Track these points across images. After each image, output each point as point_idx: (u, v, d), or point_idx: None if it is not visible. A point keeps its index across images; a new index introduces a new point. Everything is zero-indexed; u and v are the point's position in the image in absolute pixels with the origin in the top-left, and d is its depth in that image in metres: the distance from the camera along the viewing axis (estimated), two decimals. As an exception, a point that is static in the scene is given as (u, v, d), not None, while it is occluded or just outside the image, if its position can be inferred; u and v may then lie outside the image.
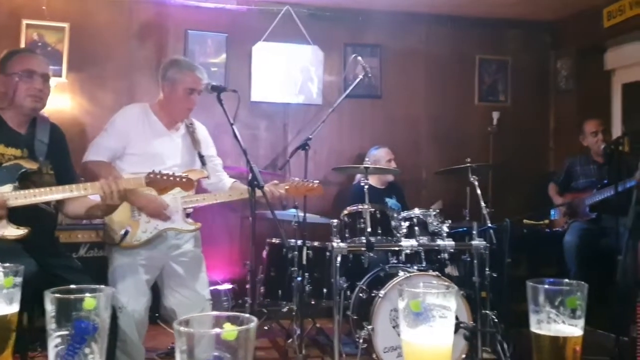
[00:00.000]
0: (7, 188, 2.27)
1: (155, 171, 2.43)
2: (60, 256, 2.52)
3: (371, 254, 3.55)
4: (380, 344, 3.19)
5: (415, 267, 3.55)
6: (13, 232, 2.23)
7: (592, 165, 4.51)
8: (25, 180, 2.34)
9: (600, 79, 5.39)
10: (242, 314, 0.76)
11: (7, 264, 1.07)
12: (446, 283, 3.19)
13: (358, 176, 4.54)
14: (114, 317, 2.43)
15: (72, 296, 0.89)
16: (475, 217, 3.83)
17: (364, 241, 3.41)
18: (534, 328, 0.95)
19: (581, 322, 0.93)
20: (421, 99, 5.45)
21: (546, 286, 0.93)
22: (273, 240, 3.93)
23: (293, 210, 3.86)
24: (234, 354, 0.73)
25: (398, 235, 3.56)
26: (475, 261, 3.55)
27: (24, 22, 4.56)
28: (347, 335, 3.73)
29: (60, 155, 2.56)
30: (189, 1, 4.88)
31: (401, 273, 3.38)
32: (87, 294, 0.90)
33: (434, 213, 3.68)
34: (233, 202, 3.26)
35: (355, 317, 3.49)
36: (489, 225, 3.70)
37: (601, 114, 5.05)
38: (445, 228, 3.64)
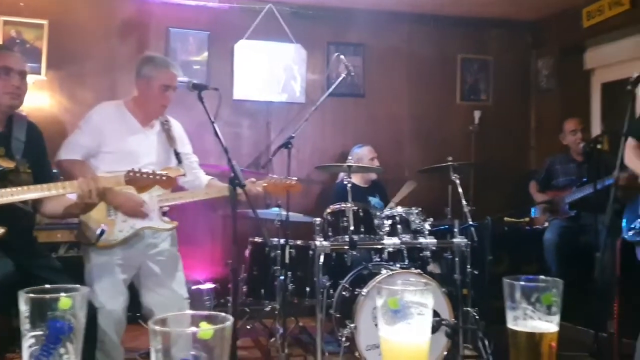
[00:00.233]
0: (-16, 187, 2.24)
1: (135, 169, 2.41)
2: (38, 256, 2.48)
3: (354, 253, 3.56)
4: (362, 342, 3.20)
5: (398, 265, 3.57)
6: (-11, 231, 2.20)
7: (572, 164, 4.57)
8: (2, 179, 2.30)
9: (580, 79, 5.45)
10: (219, 313, 0.75)
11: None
12: (424, 280, 3.20)
13: (341, 175, 4.55)
14: (93, 318, 2.42)
15: (46, 296, 0.88)
16: (457, 215, 3.86)
17: (347, 239, 3.41)
18: (510, 324, 0.96)
19: (556, 318, 0.94)
20: (404, 98, 5.47)
21: (522, 283, 0.94)
22: (256, 239, 3.92)
23: (276, 209, 3.86)
24: (210, 353, 0.72)
25: (381, 233, 3.57)
26: (456, 259, 3.57)
27: (2, 18, 4.49)
28: (329, 333, 3.74)
29: (38, 153, 2.52)
30: (171, -2, 4.85)
31: (384, 271, 3.40)
32: (63, 294, 0.89)
33: (416, 211, 3.69)
34: (215, 201, 3.25)
35: (338, 316, 3.49)
36: (470, 223, 3.73)
37: (581, 113, 5.11)
38: (427, 226, 3.66)
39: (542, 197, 4.66)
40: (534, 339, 0.94)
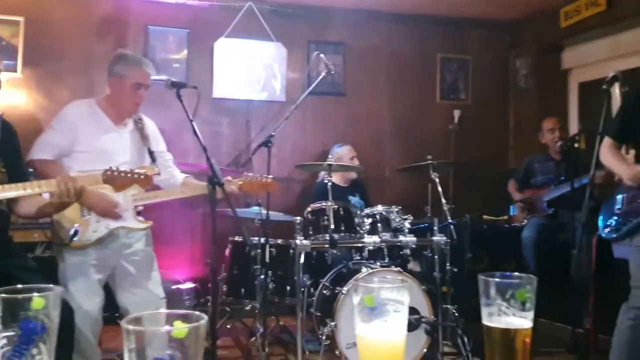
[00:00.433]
0: (-43, 186, 2.20)
1: (113, 168, 2.38)
2: (14, 256, 2.44)
3: (334, 251, 3.57)
4: (343, 340, 3.21)
5: (378, 263, 3.57)
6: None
7: (550, 163, 4.62)
8: (-24, 178, 2.26)
9: (557, 78, 5.53)
10: (193, 312, 0.75)
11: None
12: (400, 277, 3.22)
13: (322, 174, 4.55)
14: (70, 319, 2.39)
15: (19, 296, 0.86)
16: (436, 214, 3.88)
17: (328, 238, 3.42)
18: (485, 321, 0.96)
19: (530, 314, 0.95)
20: (384, 97, 5.48)
21: (497, 279, 0.95)
22: (236, 238, 3.90)
23: (256, 208, 3.84)
24: (185, 352, 0.72)
25: (361, 232, 3.58)
26: (436, 257, 3.59)
27: (-24, 15, 4.42)
28: (310, 332, 3.73)
29: (12, 152, 2.48)
30: (150, -4, 4.81)
31: (364, 269, 3.41)
32: (35, 294, 0.88)
33: (396, 210, 3.71)
34: (195, 200, 3.23)
35: (318, 314, 3.49)
36: (450, 221, 3.76)
37: (559, 112, 5.18)
38: (407, 224, 3.67)
39: (521, 195, 4.71)
40: (508, 335, 0.95)
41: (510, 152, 5.86)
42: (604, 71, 3.50)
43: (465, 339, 3.43)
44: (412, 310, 3.23)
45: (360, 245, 3.59)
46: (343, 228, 3.54)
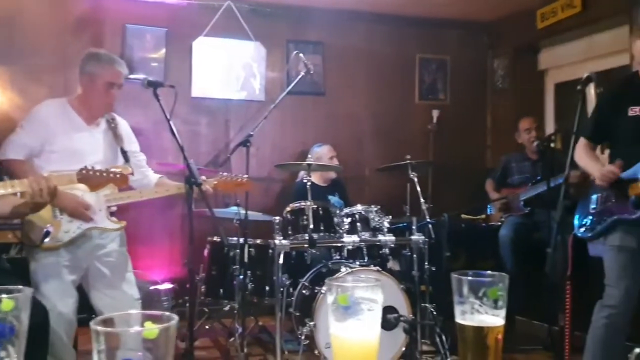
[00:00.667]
0: None
1: (88, 167, 2.35)
2: (-14, 257, 2.40)
3: (314, 251, 3.57)
4: (322, 340, 3.21)
5: (358, 263, 3.58)
6: None
7: (526, 162, 4.67)
8: (-52, 178, 2.22)
9: (534, 79, 5.59)
10: (163, 313, 0.74)
11: None
12: (374, 276, 3.24)
13: (301, 173, 4.55)
14: (45, 321, 2.36)
15: (-14, 298, 0.85)
16: (415, 213, 3.90)
17: (307, 238, 3.41)
18: (458, 319, 0.97)
19: (502, 312, 0.96)
20: (363, 97, 5.50)
21: (470, 278, 0.96)
22: (214, 239, 3.88)
23: (235, 208, 3.83)
24: (155, 353, 0.71)
25: (340, 231, 3.58)
26: (414, 255, 3.61)
27: (-51, 12, 4.33)
28: (289, 332, 3.73)
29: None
30: (127, -6, 4.76)
31: (343, 269, 3.41)
32: (4, 295, 0.87)
33: (375, 209, 3.72)
34: (173, 200, 3.20)
35: (297, 314, 3.49)
36: (428, 220, 3.79)
37: (535, 112, 5.24)
38: (386, 223, 3.68)
39: (498, 194, 4.76)
40: (481, 333, 0.95)
41: (488, 152, 5.91)
42: (579, 72, 3.56)
43: (444, 337, 3.46)
44: (391, 309, 3.24)
45: (339, 244, 3.60)
46: (322, 228, 3.55)
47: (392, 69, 5.57)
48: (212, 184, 3.02)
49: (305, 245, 3.45)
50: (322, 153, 4.56)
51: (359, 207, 3.72)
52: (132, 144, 3.03)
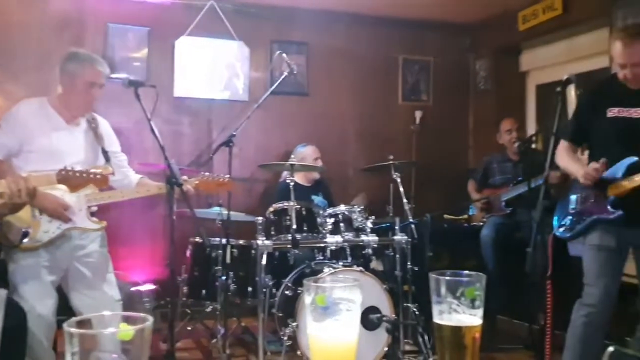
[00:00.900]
0: None
1: (67, 167, 2.33)
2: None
3: (297, 251, 3.57)
4: (304, 341, 3.20)
5: (341, 263, 3.58)
6: None
7: (507, 163, 4.71)
8: None
9: (515, 80, 5.64)
10: (139, 314, 0.74)
11: None
12: (352, 277, 3.25)
13: (284, 173, 4.54)
14: (23, 322, 2.33)
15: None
16: (398, 213, 3.92)
17: (290, 238, 3.41)
18: (436, 319, 0.98)
19: (480, 312, 0.97)
20: (347, 97, 5.50)
21: (447, 278, 0.96)
22: (196, 239, 3.86)
23: (217, 208, 3.81)
24: (130, 355, 0.71)
25: (324, 231, 3.58)
26: (397, 256, 3.63)
27: None
28: (272, 333, 3.73)
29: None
30: (109, -7, 4.72)
31: (326, 269, 3.41)
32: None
33: (359, 209, 3.73)
34: (155, 200, 3.18)
35: (280, 315, 3.48)
36: (411, 220, 3.80)
37: (517, 113, 5.29)
38: (369, 224, 3.69)
39: (479, 195, 4.80)
40: (459, 332, 0.96)
41: (470, 152, 5.95)
42: (560, 73, 3.58)
43: (426, 337, 3.48)
44: (374, 309, 3.25)
45: (322, 245, 3.60)
46: (305, 228, 3.54)
47: (376, 70, 5.58)
48: (194, 184, 3.01)
49: (288, 246, 3.44)
50: (306, 153, 4.55)
51: (342, 208, 3.72)
52: (113, 144, 3.00)
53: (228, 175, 3.21)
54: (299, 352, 3.23)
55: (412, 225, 3.79)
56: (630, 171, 2.61)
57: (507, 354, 3.88)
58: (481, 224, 4.65)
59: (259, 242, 3.39)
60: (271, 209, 3.68)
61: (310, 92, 5.38)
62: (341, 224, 3.65)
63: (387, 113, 5.63)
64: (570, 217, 2.89)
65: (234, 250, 3.69)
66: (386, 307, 3.34)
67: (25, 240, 2.57)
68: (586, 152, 3.10)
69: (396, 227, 3.69)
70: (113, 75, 2.91)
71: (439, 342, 0.98)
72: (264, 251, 3.37)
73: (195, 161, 4.92)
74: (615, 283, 2.72)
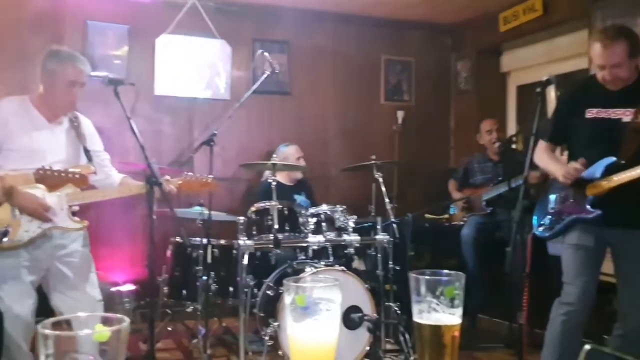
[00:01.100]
0: None
1: (46, 167, 2.29)
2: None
3: (278, 251, 3.55)
4: (285, 341, 3.17)
5: (323, 263, 3.58)
6: None
7: (488, 163, 4.75)
8: None
9: (496, 81, 5.70)
10: (115, 315, 0.73)
11: None
12: (332, 277, 3.24)
13: (266, 173, 4.53)
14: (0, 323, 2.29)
15: None
16: (380, 213, 3.93)
17: (272, 238, 3.40)
18: (416, 318, 0.98)
19: (459, 311, 0.97)
20: (329, 97, 5.51)
21: (427, 277, 0.97)
22: (177, 239, 3.83)
23: (198, 208, 3.79)
24: (106, 356, 0.70)
25: (305, 231, 3.58)
26: (379, 255, 3.63)
27: None
28: (254, 333, 3.71)
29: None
30: (88, -10, 4.66)
31: (308, 269, 3.40)
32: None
33: (341, 209, 3.73)
34: (136, 200, 3.15)
35: (262, 315, 3.47)
36: (393, 220, 3.81)
37: (497, 113, 5.34)
38: (351, 223, 3.70)
39: (460, 194, 4.83)
40: (438, 331, 0.96)
41: (451, 152, 5.99)
42: (540, 74, 3.63)
43: (407, 336, 3.50)
44: (356, 309, 3.26)
45: (304, 244, 3.59)
46: (287, 228, 3.54)
47: (358, 70, 5.59)
48: (177, 184, 2.99)
49: (270, 246, 3.43)
50: (288, 153, 4.54)
51: (324, 207, 3.72)
52: (95, 143, 2.97)
53: (212, 176, 3.20)
54: (280, 352, 3.22)
55: (394, 225, 3.81)
56: (609, 171, 2.64)
57: (488, 352, 3.91)
58: (462, 223, 4.68)
59: (241, 242, 3.38)
60: (253, 209, 3.66)
61: (293, 91, 5.37)
62: (323, 224, 3.64)
63: (369, 113, 5.64)
64: (549, 217, 2.92)
65: (215, 250, 3.66)
66: (368, 307, 3.34)
67: (5, 239, 2.53)
68: (565, 152, 3.14)
69: (378, 227, 3.70)
70: (92, 74, 2.88)
71: (418, 341, 0.98)
72: (245, 251, 3.36)
73: (176, 160, 4.89)
74: (593, 282, 2.75)
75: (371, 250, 3.83)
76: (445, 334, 0.96)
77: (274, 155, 4.32)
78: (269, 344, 3.23)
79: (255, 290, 3.55)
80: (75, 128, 2.84)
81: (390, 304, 3.63)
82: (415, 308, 0.98)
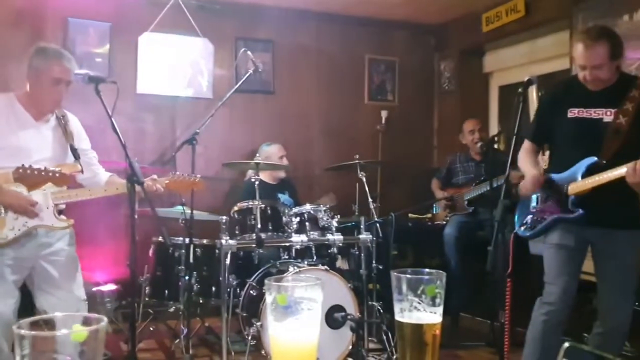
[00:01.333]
0: None
1: (25, 165, 2.26)
2: None
3: (261, 251, 3.54)
4: (268, 340, 3.18)
5: (306, 262, 3.58)
6: None
7: (470, 163, 4.78)
8: None
9: (479, 81, 5.74)
10: (93, 315, 0.72)
11: None
12: (314, 276, 3.24)
13: (249, 172, 4.51)
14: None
15: None
16: (364, 212, 3.94)
17: (254, 238, 3.39)
18: (397, 316, 0.98)
19: (440, 309, 0.97)
20: (313, 96, 5.50)
21: (408, 275, 0.97)
22: (159, 239, 3.80)
23: (180, 207, 3.76)
24: (84, 356, 0.69)
25: (289, 231, 3.57)
26: (362, 254, 3.64)
27: None
28: (237, 333, 3.70)
29: None
30: (70, -14, 4.60)
31: (291, 268, 3.40)
32: None
33: (324, 208, 3.72)
34: (118, 199, 3.12)
35: (244, 315, 3.46)
36: (376, 219, 3.82)
37: (480, 113, 5.38)
38: (334, 223, 3.70)
39: (443, 193, 4.86)
40: (419, 330, 0.96)
41: (434, 152, 6.02)
42: (522, 75, 3.65)
43: (390, 335, 3.51)
44: (339, 308, 3.26)
45: (288, 244, 3.59)
46: (270, 227, 3.53)
47: (342, 69, 5.59)
48: (164, 183, 2.96)
49: (253, 245, 3.42)
50: (271, 152, 4.53)
51: (307, 207, 3.72)
52: (82, 142, 2.94)
53: (199, 175, 3.18)
54: (263, 352, 3.22)
55: (377, 224, 3.82)
56: (590, 171, 2.66)
57: (469, 350, 3.94)
58: (444, 222, 4.70)
59: (223, 241, 3.36)
60: (236, 208, 3.65)
61: (276, 90, 5.36)
62: (307, 223, 3.64)
63: (353, 112, 5.65)
64: (531, 216, 2.94)
65: (198, 249, 3.65)
66: (351, 306, 3.34)
67: None
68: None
69: (361, 226, 3.70)
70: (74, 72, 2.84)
71: (400, 340, 0.98)
72: (227, 251, 3.34)
73: (158, 159, 4.85)
74: (574, 281, 2.77)
75: (354, 249, 3.84)
76: (427, 332, 0.96)
77: (257, 155, 4.31)
78: (252, 343, 3.22)
79: (238, 290, 3.54)
80: (62, 126, 2.81)
81: (374, 303, 3.64)
82: (396, 307, 0.98)
